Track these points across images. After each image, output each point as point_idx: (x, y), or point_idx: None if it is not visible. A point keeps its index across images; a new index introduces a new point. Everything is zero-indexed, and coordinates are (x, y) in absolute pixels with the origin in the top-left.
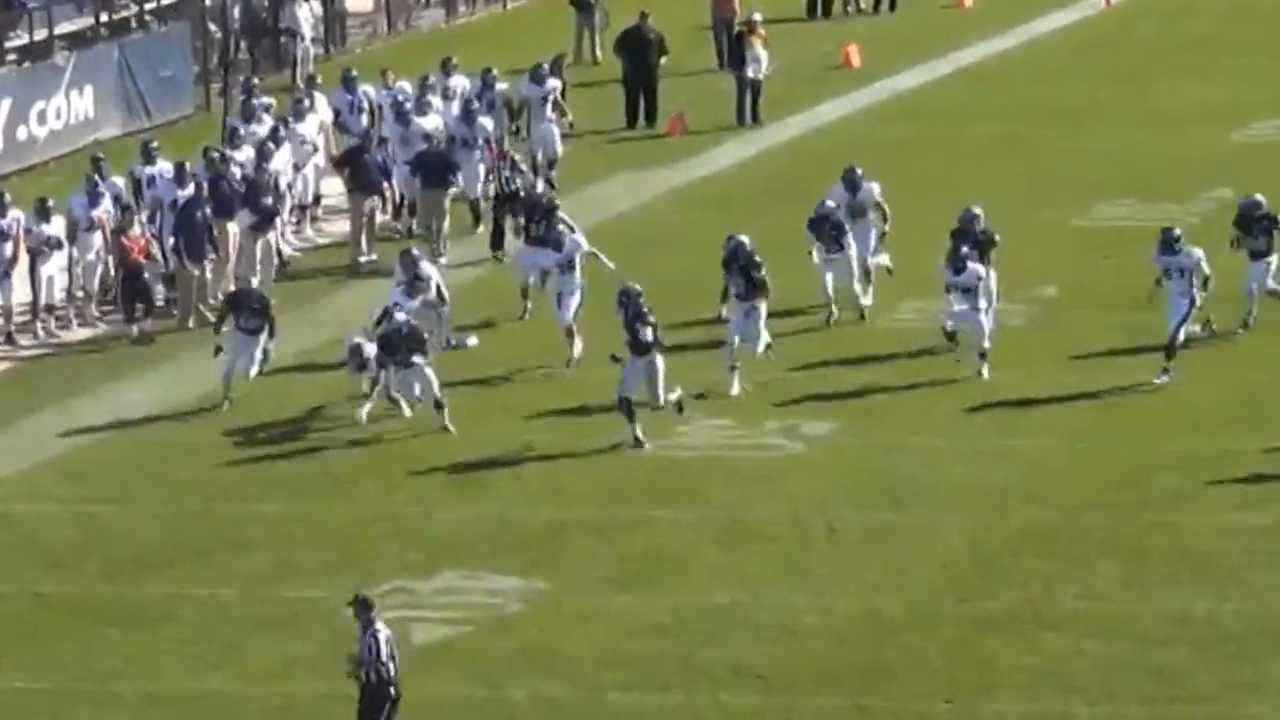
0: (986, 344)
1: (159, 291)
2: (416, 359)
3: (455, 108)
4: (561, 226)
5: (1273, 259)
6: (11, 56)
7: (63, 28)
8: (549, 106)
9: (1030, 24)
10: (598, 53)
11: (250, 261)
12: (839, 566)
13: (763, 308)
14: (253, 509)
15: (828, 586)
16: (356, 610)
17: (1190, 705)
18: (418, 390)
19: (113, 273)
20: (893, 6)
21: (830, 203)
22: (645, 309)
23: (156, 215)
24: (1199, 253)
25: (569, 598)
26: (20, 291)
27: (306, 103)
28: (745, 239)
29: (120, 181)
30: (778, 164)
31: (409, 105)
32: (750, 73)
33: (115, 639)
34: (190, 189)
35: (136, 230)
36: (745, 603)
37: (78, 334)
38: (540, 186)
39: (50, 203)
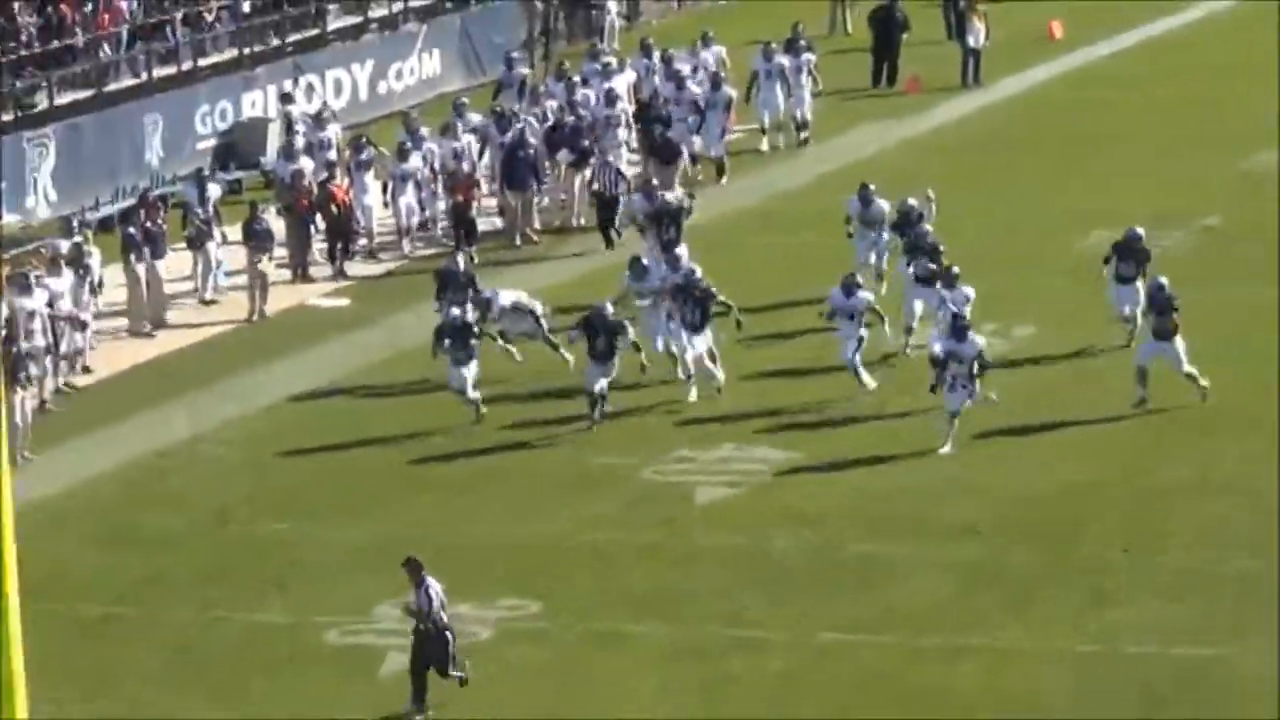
0: (864, 381)
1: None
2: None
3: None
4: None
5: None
6: (374, 26)
7: (415, 2)
8: (804, 74)
9: (1205, 2)
10: (849, 26)
11: (571, 194)
12: (1031, 437)
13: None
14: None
15: (1030, 457)
16: (409, 570)
17: None
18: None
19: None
20: None
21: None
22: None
23: (485, 155)
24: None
25: (822, 466)
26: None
27: (615, 63)
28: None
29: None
30: (995, 119)
31: (686, 73)
32: (972, 42)
33: (439, 501)
34: (513, 133)
35: (466, 168)
36: (965, 473)
37: (425, 252)
38: (677, 193)
39: (408, 144)
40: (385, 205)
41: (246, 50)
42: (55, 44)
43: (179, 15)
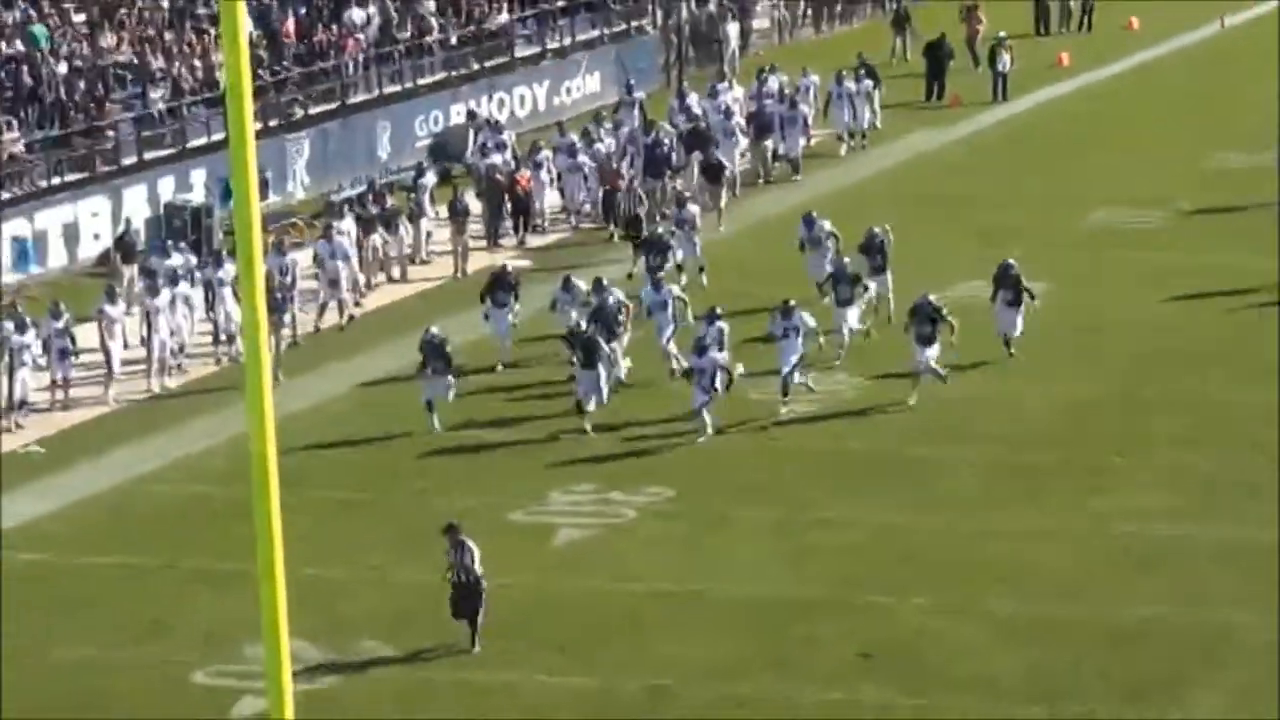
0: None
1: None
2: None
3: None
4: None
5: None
6: (550, 55)
7: (581, 36)
8: (864, 97)
9: (1178, 39)
10: (908, 55)
11: (699, 189)
12: (1046, 367)
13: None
14: None
15: (1043, 381)
16: (448, 535)
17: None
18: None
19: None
20: (1090, 29)
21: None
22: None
23: (628, 154)
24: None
25: (881, 390)
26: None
27: (729, 84)
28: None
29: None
30: (1018, 124)
31: (798, 95)
32: (999, 68)
33: (598, 413)
34: (653, 136)
35: (613, 165)
36: (992, 393)
37: (588, 226)
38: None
39: (577, 144)
40: (560, 193)
41: (454, 72)
42: (310, 68)
43: (403, 46)
